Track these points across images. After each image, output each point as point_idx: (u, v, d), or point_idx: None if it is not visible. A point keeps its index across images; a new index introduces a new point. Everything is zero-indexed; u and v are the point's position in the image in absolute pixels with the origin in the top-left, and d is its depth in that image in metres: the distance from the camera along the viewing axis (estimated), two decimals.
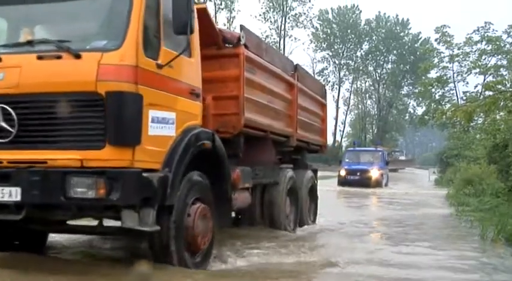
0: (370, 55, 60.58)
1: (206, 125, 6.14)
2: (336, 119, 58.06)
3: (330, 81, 58.16)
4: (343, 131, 61.56)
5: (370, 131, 66.07)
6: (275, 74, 7.42)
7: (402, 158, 60.27)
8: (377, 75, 62.57)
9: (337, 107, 58.85)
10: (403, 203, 16.77)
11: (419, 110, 48.58)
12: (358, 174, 23.81)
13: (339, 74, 59.37)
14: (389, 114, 63.76)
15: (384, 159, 25.82)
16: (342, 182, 23.97)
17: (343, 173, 24.38)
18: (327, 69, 59.06)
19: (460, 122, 24.73)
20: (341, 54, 58.90)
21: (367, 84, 64.34)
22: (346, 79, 61.08)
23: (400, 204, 16.09)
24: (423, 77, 41.01)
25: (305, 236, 7.97)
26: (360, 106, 65.34)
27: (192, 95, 5.34)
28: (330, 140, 56.46)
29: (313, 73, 56.15)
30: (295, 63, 8.49)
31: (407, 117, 64.18)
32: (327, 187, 21.55)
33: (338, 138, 58.59)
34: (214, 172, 5.70)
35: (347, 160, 25.65)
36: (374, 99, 64.69)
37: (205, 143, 5.40)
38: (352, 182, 23.35)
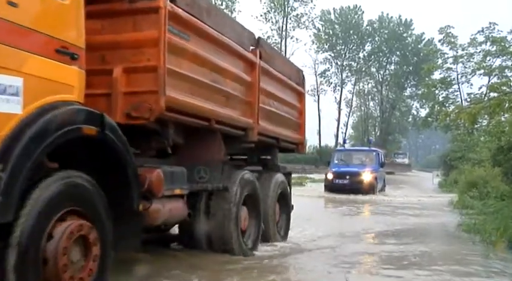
0: (372, 56, 59.24)
1: (113, 108, 4.33)
2: (338, 121, 57.09)
3: (332, 83, 57.57)
4: (345, 133, 59.26)
5: (373, 133, 63.42)
6: (224, 45, 5.51)
7: (406, 161, 58.17)
8: (380, 76, 61.31)
9: (339, 109, 57.89)
10: (401, 209, 14.72)
11: (423, 112, 48.78)
12: (347, 177, 19.85)
13: (341, 75, 57.98)
14: (392, 116, 62.34)
15: (378, 160, 21.71)
16: (329, 187, 20.17)
17: (330, 176, 20.39)
18: (329, 70, 57.61)
19: (464, 124, 24.28)
20: (343, 55, 57.55)
21: (369, 85, 62.99)
22: (348, 80, 59.85)
23: (397, 212, 13.80)
24: (426, 79, 40.44)
25: (264, 262, 5.78)
26: (362, 108, 64.02)
27: (60, 54, 3.46)
28: (331, 142, 55.28)
29: (315, 74, 56.05)
30: (257, 37, 6.57)
31: (410, 119, 63.01)
32: (313, 192, 19.46)
33: (340, 140, 56.73)
34: (111, 173, 3.86)
35: (336, 162, 21.71)
36: (377, 101, 63.49)
37: (84, 128, 3.51)
38: (340, 188, 19.58)
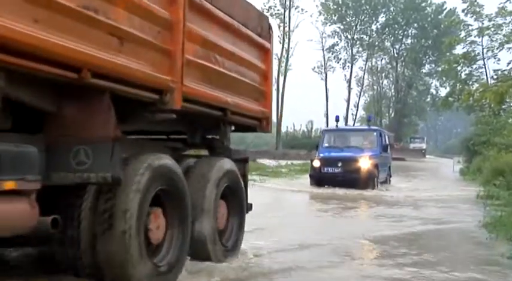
0: (387, 29, 58.76)
1: None
2: (348, 101, 57.02)
3: (341, 59, 57.18)
4: (355, 115, 59.53)
5: (387, 115, 64.00)
6: None
7: (423, 146, 57.14)
8: (395, 51, 60.70)
9: (349, 88, 57.31)
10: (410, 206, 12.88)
11: (443, 91, 48.65)
12: (339, 165, 16.58)
13: (352, 50, 57.30)
14: (409, 96, 61.74)
15: (380, 142, 18.17)
16: (316, 178, 16.93)
17: (317, 163, 16.93)
18: (337, 45, 57.05)
19: (489, 104, 24.22)
20: (354, 27, 57.11)
21: (383, 62, 62.47)
22: (359, 56, 59.16)
23: (402, 214, 11.27)
24: (447, 54, 40.56)
25: None
26: (375, 87, 63.18)
27: None
28: (340, 125, 53.99)
29: (322, 49, 56.29)
30: None
31: (428, 99, 62.37)
32: (292, 185, 17.54)
33: (350, 123, 55.81)
34: None
35: (325, 145, 18.31)
36: (391, 79, 62.79)
37: None
38: (330, 178, 16.40)
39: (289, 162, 29.61)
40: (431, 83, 61.62)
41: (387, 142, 19.40)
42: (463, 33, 35.92)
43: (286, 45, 46.60)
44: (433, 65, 58.80)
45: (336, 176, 16.51)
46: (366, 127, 20.46)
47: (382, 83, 63.67)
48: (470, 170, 25.95)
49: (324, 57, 55.43)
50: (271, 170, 23.89)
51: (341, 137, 18.95)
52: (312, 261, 5.91)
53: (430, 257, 6.35)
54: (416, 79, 61.01)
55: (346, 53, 57.35)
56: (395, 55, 60.78)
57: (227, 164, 5.58)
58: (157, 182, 4.30)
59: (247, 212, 6.04)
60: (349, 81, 57.08)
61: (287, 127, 48.86)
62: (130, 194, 4.01)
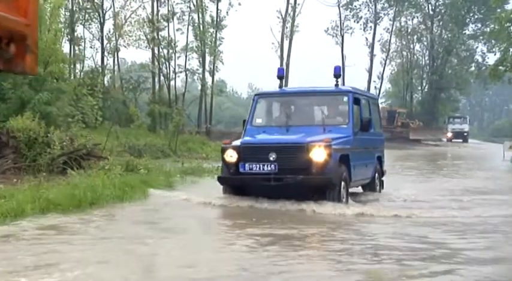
0: None
1: None
2: (370, 71, 54.75)
3: (361, 18, 55.45)
4: (379, 89, 57.11)
5: (419, 88, 62.23)
6: None
7: (465, 127, 56.14)
8: (430, 8, 58.95)
9: (372, 55, 55.01)
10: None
11: (491, 58, 46.25)
12: (272, 159, 10.59)
13: (375, 7, 55.46)
14: (447, 65, 59.91)
15: (357, 115, 12.14)
16: (232, 182, 11.30)
17: (232, 156, 10.88)
18: (357, 0, 55.03)
19: None
20: None
21: (415, 21, 60.66)
22: (385, 14, 57.23)
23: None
24: (498, 10, 38.75)
25: None
26: (404, 53, 61.60)
27: None
28: None
29: (338, 6, 54.31)
30: None
31: (473, 68, 60.58)
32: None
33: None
34: None
35: (258, 121, 12.47)
36: (425, 44, 61.34)
37: None
38: (257, 184, 10.85)
39: None
40: (477, 47, 60.43)
41: (369, 115, 12.81)
42: None
43: (292, 1, 44.56)
44: (479, 25, 57.46)
45: (267, 178, 10.73)
46: (331, 88, 13.09)
47: (414, 48, 62.49)
48: None
49: (340, 16, 53.77)
50: None
51: (286, 106, 13.03)
52: None
53: None
54: (457, 43, 59.08)
55: (368, 10, 55.90)
56: (431, 13, 59.11)
57: None
58: None
59: None
60: (371, 47, 55.33)
61: None
62: None
